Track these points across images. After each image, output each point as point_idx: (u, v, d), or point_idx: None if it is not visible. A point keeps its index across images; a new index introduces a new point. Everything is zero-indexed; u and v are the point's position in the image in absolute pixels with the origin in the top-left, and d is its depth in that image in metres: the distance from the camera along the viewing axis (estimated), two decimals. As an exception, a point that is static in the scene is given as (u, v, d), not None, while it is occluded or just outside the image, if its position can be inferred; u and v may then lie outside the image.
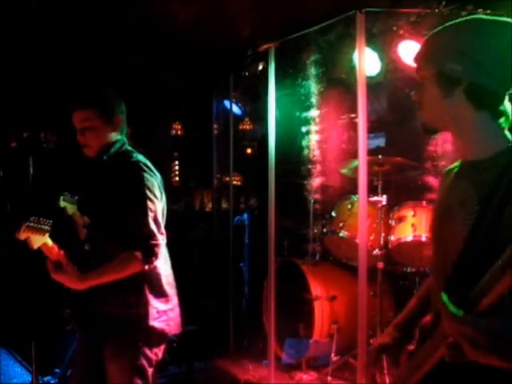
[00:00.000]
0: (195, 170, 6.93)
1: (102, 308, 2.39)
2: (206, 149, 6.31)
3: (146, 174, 2.37)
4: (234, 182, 5.78)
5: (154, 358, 2.41)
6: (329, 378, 4.05)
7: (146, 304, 2.37)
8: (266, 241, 4.16)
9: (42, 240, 2.20)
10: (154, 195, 2.37)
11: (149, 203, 2.33)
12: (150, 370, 2.40)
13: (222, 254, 5.32)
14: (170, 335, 2.51)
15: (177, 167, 6.83)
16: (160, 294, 2.42)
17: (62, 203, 2.35)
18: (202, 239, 6.49)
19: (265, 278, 4.37)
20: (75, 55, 4.69)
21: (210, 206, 6.91)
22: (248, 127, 6.51)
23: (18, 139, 2.95)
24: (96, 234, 2.45)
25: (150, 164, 2.45)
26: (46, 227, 2.20)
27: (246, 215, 5.91)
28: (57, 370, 4.07)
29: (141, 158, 2.47)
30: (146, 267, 2.30)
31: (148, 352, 2.38)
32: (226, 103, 5.81)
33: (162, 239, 2.34)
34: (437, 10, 3.88)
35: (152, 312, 2.38)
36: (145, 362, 2.37)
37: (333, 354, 4.09)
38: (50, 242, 2.23)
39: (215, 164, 6.19)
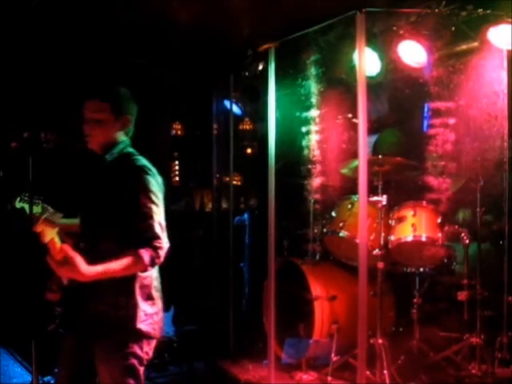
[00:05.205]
0: (195, 169, 6.94)
1: (93, 308, 2.40)
2: (206, 149, 6.30)
3: (151, 179, 2.40)
4: (234, 182, 5.77)
5: (144, 356, 2.41)
6: (329, 378, 4.05)
7: (134, 306, 2.38)
8: (266, 241, 4.15)
9: (52, 234, 2.20)
10: (158, 199, 2.41)
11: (154, 207, 2.36)
12: (141, 369, 2.40)
13: (222, 254, 5.31)
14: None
15: (177, 167, 6.84)
16: (148, 296, 2.43)
17: (19, 204, 2.26)
18: (202, 239, 6.50)
19: (265, 278, 4.36)
20: (75, 55, 4.69)
21: (210, 206, 6.91)
22: (248, 127, 6.51)
23: (18, 139, 2.94)
24: (92, 233, 2.45)
25: (152, 167, 2.47)
26: (57, 221, 2.20)
27: (246, 215, 5.91)
28: (57, 370, 4.06)
29: (144, 161, 2.49)
30: (150, 269, 2.32)
31: (138, 351, 2.38)
32: (226, 103, 5.81)
33: (165, 242, 2.36)
34: (437, 10, 3.89)
35: (140, 314, 2.38)
36: (135, 361, 2.37)
37: (333, 354, 4.09)
38: (57, 236, 2.22)
39: (215, 164, 6.19)
